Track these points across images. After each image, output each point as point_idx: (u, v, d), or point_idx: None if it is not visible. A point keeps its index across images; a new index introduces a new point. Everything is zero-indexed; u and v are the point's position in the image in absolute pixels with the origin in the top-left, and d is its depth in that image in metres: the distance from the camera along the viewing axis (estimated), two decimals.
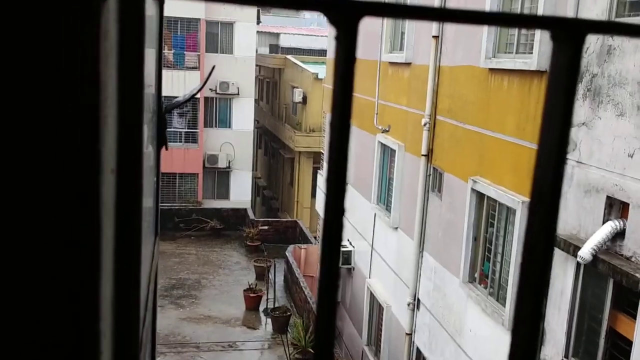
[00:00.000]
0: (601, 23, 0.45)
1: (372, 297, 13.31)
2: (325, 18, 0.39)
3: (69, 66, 0.50)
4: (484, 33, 8.71)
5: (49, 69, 0.50)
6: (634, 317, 5.98)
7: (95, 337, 0.57)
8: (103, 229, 0.57)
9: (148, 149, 1.39)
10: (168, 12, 23.72)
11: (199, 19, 25.08)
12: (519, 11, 8.20)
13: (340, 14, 0.38)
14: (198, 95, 25.10)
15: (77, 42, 0.49)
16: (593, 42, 6.56)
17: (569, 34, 0.43)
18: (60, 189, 0.52)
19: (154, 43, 1.86)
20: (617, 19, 6.34)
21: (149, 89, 1.57)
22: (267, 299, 17.42)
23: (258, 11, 27.04)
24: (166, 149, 1.88)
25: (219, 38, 26.13)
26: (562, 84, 0.43)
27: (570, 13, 6.87)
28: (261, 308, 17.67)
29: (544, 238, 0.46)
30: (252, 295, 17.60)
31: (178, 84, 23.93)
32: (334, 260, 0.44)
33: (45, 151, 0.51)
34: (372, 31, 13.46)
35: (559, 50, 0.43)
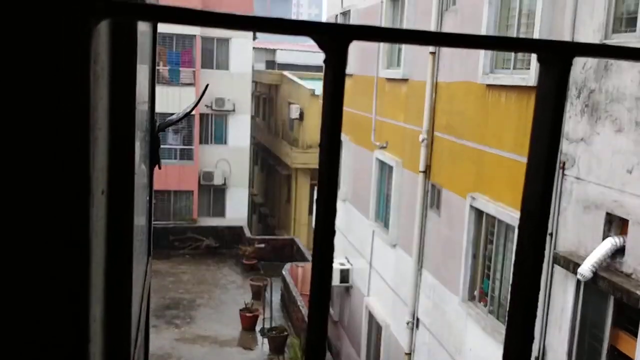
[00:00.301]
0: (587, 45, 0.46)
1: (371, 316, 13.18)
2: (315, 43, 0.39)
3: (59, 88, 0.50)
4: (481, 49, 8.71)
5: (40, 90, 0.50)
6: (635, 335, 5.89)
7: (85, 358, 0.56)
8: (93, 250, 0.57)
9: (141, 168, 1.34)
10: (163, 28, 23.84)
11: (195, 35, 25.17)
12: (515, 27, 8.21)
13: (329, 39, 0.37)
14: (193, 112, 25.10)
15: (68, 66, 0.50)
16: (590, 58, 6.55)
17: (556, 57, 0.43)
18: (49, 210, 0.53)
19: (148, 60, 1.81)
20: (614, 34, 6.34)
21: (143, 107, 1.52)
22: (263, 319, 17.25)
23: None
24: (159, 167, 1.82)
25: (214, 54, 26.21)
26: (550, 105, 0.44)
27: (567, 29, 6.87)
28: (257, 328, 17.48)
29: (534, 253, 0.47)
30: (248, 314, 17.42)
31: (173, 100, 23.93)
32: (325, 280, 0.44)
33: (34, 173, 0.51)
34: (369, 47, 13.49)
35: (547, 72, 0.44)
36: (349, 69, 14.95)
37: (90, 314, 0.57)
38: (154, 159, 1.85)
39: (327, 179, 0.37)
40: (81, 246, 0.54)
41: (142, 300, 1.63)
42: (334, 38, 0.35)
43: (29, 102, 0.50)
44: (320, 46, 0.35)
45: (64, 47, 0.48)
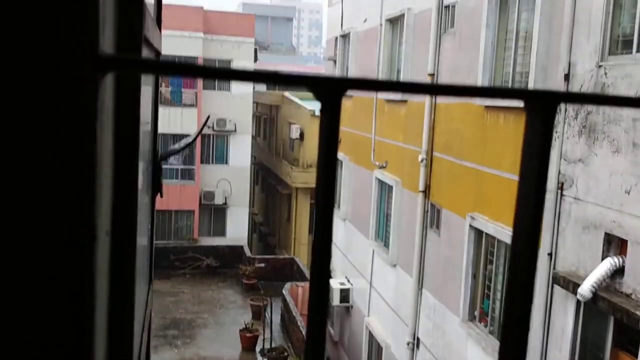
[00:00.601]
0: (571, 94, 0.48)
1: (371, 336, 13.12)
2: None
3: (66, 137, 0.51)
4: (479, 71, 8.81)
5: (45, 143, 0.51)
6: (636, 355, 5.88)
7: None
8: (97, 292, 0.57)
9: (143, 198, 1.37)
10: (165, 50, 24.01)
11: (197, 57, 25.38)
12: (513, 49, 8.30)
13: (324, 90, 0.40)
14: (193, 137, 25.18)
15: (75, 115, 0.51)
16: (587, 79, 6.63)
17: (541, 105, 0.45)
18: (53, 257, 0.53)
19: (151, 96, 1.86)
20: (610, 56, 6.42)
21: (145, 140, 1.56)
22: (263, 339, 17.15)
23: (255, 49, 27.40)
24: (161, 196, 1.85)
25: None
26: (536, 151, 0.45)
27: (563, 51, 6.96)
28: (257, 348, 17.37)
29: (526, 275, 0.48)
30: (248, 335, 17.32)
31: (175, 121, 24.07)
32: (323, 299, 0.44)
33: (42, 221, 0.52)
34: (368, 68, 13.62)
35: (532, 119, 0.46)
36: (349, 90, 15.05)
37: (95, 353, 0.58)
38: (155, 188, 1.88)
39: (322, 222, 0.39)
40: (85, 292, 0.55)
41: (143, 331, 1.64)
42: (329, 89, 0.39)
43: (35, 156, 0.51)
44: (316, 96, 0.39)
45: (70, 101, 0.50)
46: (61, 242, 0.53)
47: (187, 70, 0.37)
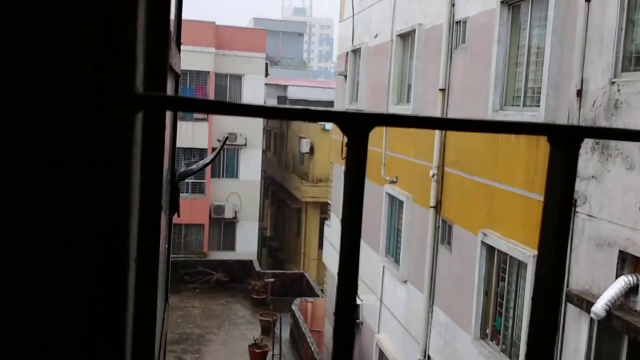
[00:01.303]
0: (595, 129, 0.48)
1: (381, 353, 13.01)
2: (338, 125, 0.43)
3: (103, 173, 0.53)
4: (491, 86, 8.79)
5: (86, 177, 0.53)
6: None
7: None
8: (127, 323, 0.59)
9: (163, 217, 1.37)
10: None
11: (208, 72, 25.56)
12: (525, 65, 8.29)
13: (352, 125, 0.40)
14: (206, 146, 25.32)
15: (113, 153, 0.53)
16: (600, 96, 6.59)
17: (565, 139, 0.45)
18: (89, 289, 0.55)
19: (170, 120, 1.86)
20: (623, 73, 6.38)
21: (165, 161, 1.56)
22: (272, 355, 17.05)
23: (266, 64, 27.56)
24: (178, 215, 1.85)
25: (227, 90, 26.55)
26: (559, 183, 0.45)
27: (575, 67, 6.93)
28: None
29: (550, 293, 0.48)
30: (257, 350, 17.24)
31: (186, 135, 24.20)
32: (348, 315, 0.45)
33: (82, 256, 0.54)
34: (378, 83, 13.64)
35: (556, 152, 0.46)
36: (359, 105, 15.09)
37: None
38: (173, 208, 1.89)
39: (348, 255, 0.39)
40: (118, 321, 0.56)
41: (160, 351, 1.63)
42: (357, 125, 0.38)
43: (74, 193, 0.53)
44: (344, 132, 0.39)
45: (107, 139, 0.51)
46: (98, 274, 0.54)
47: (217, 107, 0.36)
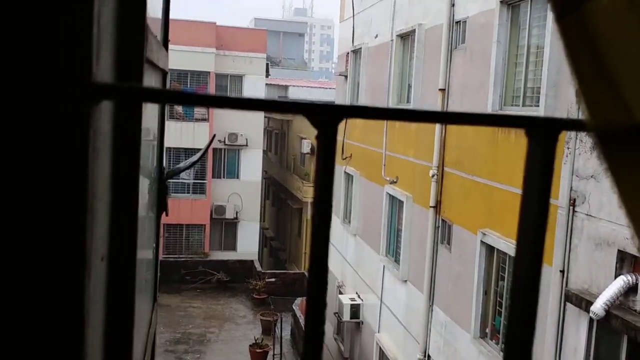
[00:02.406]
0: (574, 121, 0.48)
1: (382, 352, 13.01)
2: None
3: (56, 163, 0.51)
4: (490, 85, 8.80)
5: (38, 168, 0.51)
6: None
7: None
8: (90, 321, 0.56)
9: (148, 216, 1.37)
10: (178, 64, 24.24)
11: (209, 72, 25.57)
12: (524, 64, 8.29)
13: (321, 118, 0.41)
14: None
15: (65, 143, 0.51)
16: None
17: (543, 131, 0.45)
18: (43, 285, 0.53)
19: (157, 116, 1.87)
20: None
21: (151, 159, 1.56)
22: (273, 354, 17.06)
23: (267, 64, 27.57)
24: (166, 214, 1.86)
25: (228, 90, 26.56)
26: (537, 177, 0.45)
27: None
28: None
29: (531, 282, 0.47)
30: (258, 350, 17.25)
31: (187, 135, 24.23)
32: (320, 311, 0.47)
33: (31, 241, 0.52)
34: (379, 84, 13.65)
35: (534, 146, 0.46)
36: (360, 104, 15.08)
37: None
38: (161, 207, 1.89)
39: (319, 241, 0.39)
40: (77, 319, 0.54)
41: (146, 352, 1.62)
42: (325, 117, 0.39)
43: (24, 184, 0.51)
44: (313, 123, 0.40)
45: (61, 130, 0.50)
46: (53, 268, 0.52)
47: (180, 98, 0.37)
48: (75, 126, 0.50)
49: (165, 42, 2.02)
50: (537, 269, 0.47)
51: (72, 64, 0.48)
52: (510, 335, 0.47)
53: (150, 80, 1.34)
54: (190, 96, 0.36)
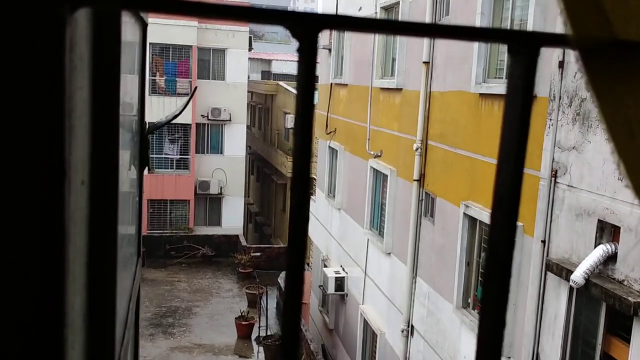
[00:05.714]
0: (555, 35, 0.47)
1: (366, 323, 13.19)
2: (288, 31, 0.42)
3: (32, 76, 0.50)
4: (474, 58, 8.81)
5: (12, 77, 0.50)
6: (628, 341, 5.94)
7: (61, 346, 0.55)
8: (71, 238, 0.55)
9: (130, 170, 1.37)
10: (160, 39, 23.93)
11: (191, 46, 25.26)
12: (509, 19, 8.28)
13: (300, 27, 0.40)
14: (190, 122, 25.15)
15: (40, 54, 0.49)
16: (579, 77, 6.63)
17: (524, 47, 0.45)
18: (23, 197, 0.52)
19: (137, 68, 1.85)
20: None
21: (131, 111, 1.55)
22: (259, 327, 17.23)
23: (250, 38, 27.27)
24: (149, 169, 1.86)
25: (210, 65, 26.29)
26: (519, 94, 0.45)
27: (560, 22, 6.95)
28: (253, 336, 17.46)
29: (505, 244, 0.49)
30: (244, 323, 17.40)
31: (170, 109, 23.95)
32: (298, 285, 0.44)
33: (6, 159, 0.51)
34: (363, 58, 13.59)
35: (515, 62, 0.45)
36: (344, 79, 15.02)
37: (66, 301, 0.56)
38: (143, 161, 1.88)
39: (300, 164, 0.39)
40: (57, 233, 0.53)
41: (131, 300, 1.63)
42: (305, 26, 0.39)
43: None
44: (293, 34, 0.40)
45: (37, 35, 0.48)
46: (30, 182, 0.52)
47: (161, 3, 0.37)
48: (50, 30, 0.48)
49: None
50: (518, 183, 0.47)
51: None
52: (485, 293, 0.47)
53: (132, 30, 1.33)
54: (171, 2, 0.37)
